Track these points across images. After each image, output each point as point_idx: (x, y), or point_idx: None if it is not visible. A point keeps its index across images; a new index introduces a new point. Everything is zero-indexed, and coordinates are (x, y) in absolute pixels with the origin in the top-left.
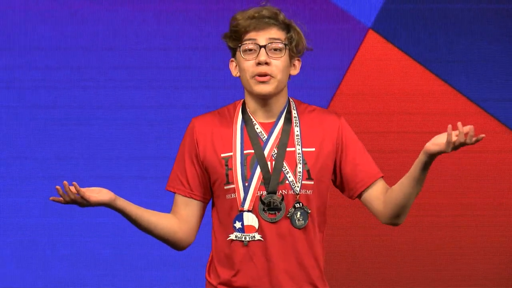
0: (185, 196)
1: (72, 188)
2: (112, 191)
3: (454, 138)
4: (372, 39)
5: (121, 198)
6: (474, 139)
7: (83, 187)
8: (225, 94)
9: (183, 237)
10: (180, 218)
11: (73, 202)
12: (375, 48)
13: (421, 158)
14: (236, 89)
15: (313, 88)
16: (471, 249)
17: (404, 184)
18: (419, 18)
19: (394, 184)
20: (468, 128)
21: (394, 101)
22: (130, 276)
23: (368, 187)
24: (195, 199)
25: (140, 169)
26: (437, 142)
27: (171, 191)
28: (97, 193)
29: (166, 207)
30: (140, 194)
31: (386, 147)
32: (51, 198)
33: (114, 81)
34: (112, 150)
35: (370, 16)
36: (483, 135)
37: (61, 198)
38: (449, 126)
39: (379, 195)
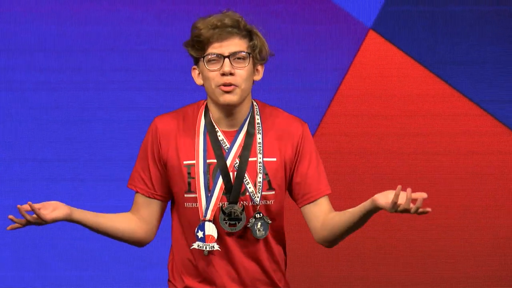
0: (148, 196)
1: (26, 207)
2: (112, 194)
3: (400, 201)
4: (373, 39)
5: (77, 209)
6: (420, 210)
7: (83, 188)
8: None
9: (144, 236)
10: (140, 218)
11: (30, 223)
12: (376, 48)
13: (367, 204)
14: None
15: (313, 89)
16: (472, 251)
17: (345, 217)
18: (420, 19)
19: (395, 187)
20: (418, 195)
21: (394, 103)
22: (128, 276)
23: (311, 202)
24: (157, 199)
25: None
26: (387, 198)
27: (133, 190)
28: (52, 210)
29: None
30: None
31: (386, 149)
32: (8, 228)
33: (115, 82)
34: (112, 151)
35: (370, 16)
36: (429, 210)
37: (17, 224)
38: (399, 186)
39: (319, 214)
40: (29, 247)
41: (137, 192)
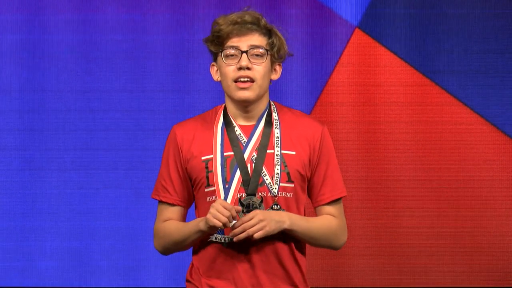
0: (171, 203)
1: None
2: (91, 198)
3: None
4: (359, 38)
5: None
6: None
7: (72, 195)
8: (209, 98)
9: None
10: None
11: None
12: (362, 47)
13: None
14: (219, 94)
15: (298, 88)
16: (474, 253)
17: None
18: (406, 18)
19: (381, 193)
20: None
21: (382, 103)
22: (118, 279)
23: (326, 204)
24: (179, 205)
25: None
26: None
27: (158, 200)
28: None
29: (149, 211)
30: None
31: (372, 152)
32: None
33: (106, 86)
34: (92, 156)
35: (357, 14)
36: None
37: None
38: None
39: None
40: (17, 251)
41: (160, 201)
